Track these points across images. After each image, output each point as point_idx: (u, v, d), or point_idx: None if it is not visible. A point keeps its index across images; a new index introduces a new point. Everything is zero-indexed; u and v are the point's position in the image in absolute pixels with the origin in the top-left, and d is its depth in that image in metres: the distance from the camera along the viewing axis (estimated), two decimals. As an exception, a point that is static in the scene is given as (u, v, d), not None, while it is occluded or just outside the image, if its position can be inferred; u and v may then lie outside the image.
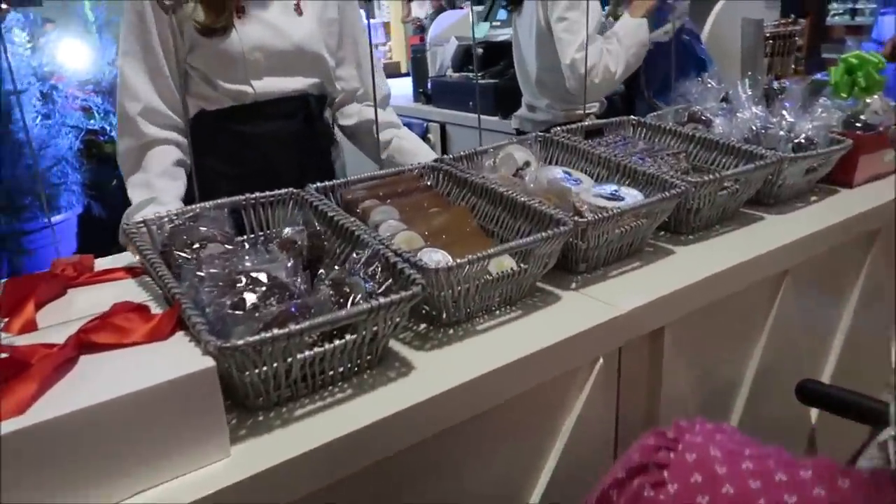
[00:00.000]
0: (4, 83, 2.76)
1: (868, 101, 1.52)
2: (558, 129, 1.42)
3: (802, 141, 1.38)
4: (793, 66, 1.85)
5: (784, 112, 1.45)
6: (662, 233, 1.26)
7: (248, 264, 0.89)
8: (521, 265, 0.98)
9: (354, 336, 0.80)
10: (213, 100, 1.37)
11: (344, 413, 0.79)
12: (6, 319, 0.79)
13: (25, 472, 0.60)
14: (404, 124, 1.69)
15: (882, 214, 1.44)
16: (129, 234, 0.92)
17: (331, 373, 0.82)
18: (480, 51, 3.06)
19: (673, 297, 1.05)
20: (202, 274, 0.85)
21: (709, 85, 1.50)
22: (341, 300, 0.86)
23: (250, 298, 0.81)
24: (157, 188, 1.29)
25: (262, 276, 0.86)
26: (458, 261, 0.89)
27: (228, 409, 0.77)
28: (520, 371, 0.89)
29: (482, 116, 1.48)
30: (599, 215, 1.04)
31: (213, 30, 1.33)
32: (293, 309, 0.79)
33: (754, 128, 1.41)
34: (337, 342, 0.79)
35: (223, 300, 0.80)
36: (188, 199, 1.38)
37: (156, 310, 0.80)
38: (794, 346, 1.36)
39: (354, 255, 0.92)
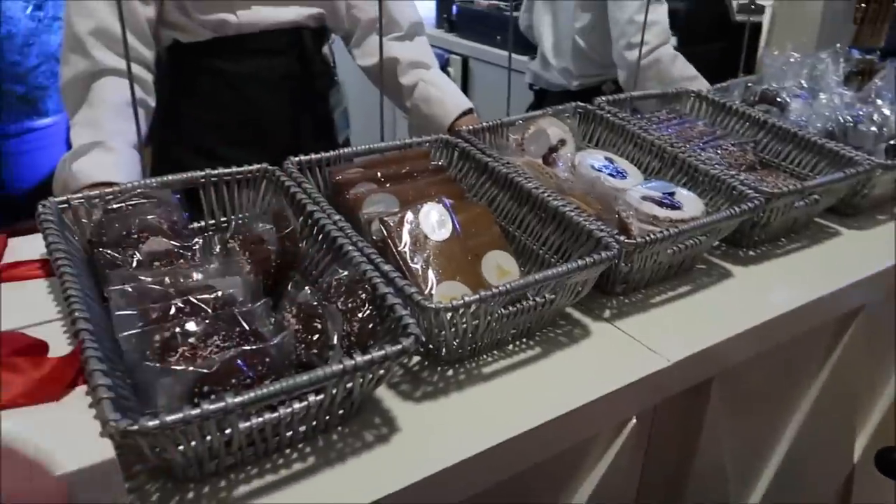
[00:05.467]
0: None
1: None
2: (602, 99, 1.17)
3: (899, 142, 1.13)
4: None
5: (878, 101, 1.20)
6: (717, 244, 1.04)
7: (194, 276, 0.68)
8: (547, 296, 0.77)
9: (321, 397, 0.61)
10: (188, 30, 1.12)
11: (299, 493, 0.60)
12: None
13: None
14: None
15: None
16: (43, 220, 0.71)
17: (289, 433, 0.63)
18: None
19: (727, 343, 0.84)
20: (130, 289, 0.65)
21: (791, 58, 1.23)
22: (310, 338, 0.66)
23: (187, 335, 0.61)
24: (106, 129, 1.00)
25: (209, 298, 0.65)
26: (467, 298, 0.68)
27: (150, 475, 0.59)
28: (533, 441, 0.69)
29: (513, 55, 1.20)
30: (650, 236, 0.82)
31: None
32: (240, 363, 0.59)
33: (842, 119, 1.16)
34: (296, 405, 0.60)
35: (150, 333, 0.60)
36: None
37: (62, 345, 0.61)
38: (848, 402, 1.16)
39: (338, 270, 0.71)
